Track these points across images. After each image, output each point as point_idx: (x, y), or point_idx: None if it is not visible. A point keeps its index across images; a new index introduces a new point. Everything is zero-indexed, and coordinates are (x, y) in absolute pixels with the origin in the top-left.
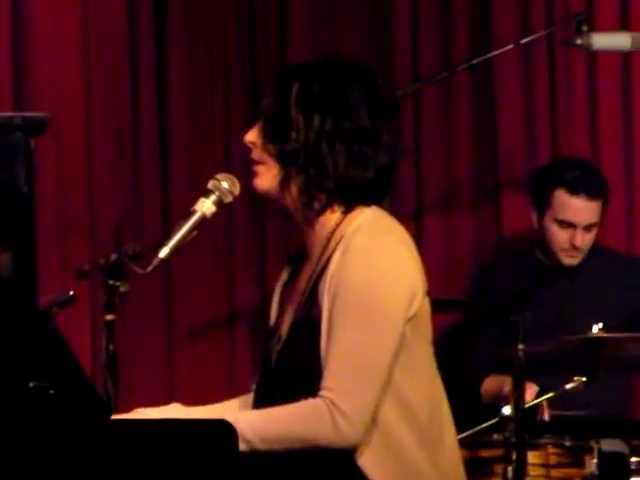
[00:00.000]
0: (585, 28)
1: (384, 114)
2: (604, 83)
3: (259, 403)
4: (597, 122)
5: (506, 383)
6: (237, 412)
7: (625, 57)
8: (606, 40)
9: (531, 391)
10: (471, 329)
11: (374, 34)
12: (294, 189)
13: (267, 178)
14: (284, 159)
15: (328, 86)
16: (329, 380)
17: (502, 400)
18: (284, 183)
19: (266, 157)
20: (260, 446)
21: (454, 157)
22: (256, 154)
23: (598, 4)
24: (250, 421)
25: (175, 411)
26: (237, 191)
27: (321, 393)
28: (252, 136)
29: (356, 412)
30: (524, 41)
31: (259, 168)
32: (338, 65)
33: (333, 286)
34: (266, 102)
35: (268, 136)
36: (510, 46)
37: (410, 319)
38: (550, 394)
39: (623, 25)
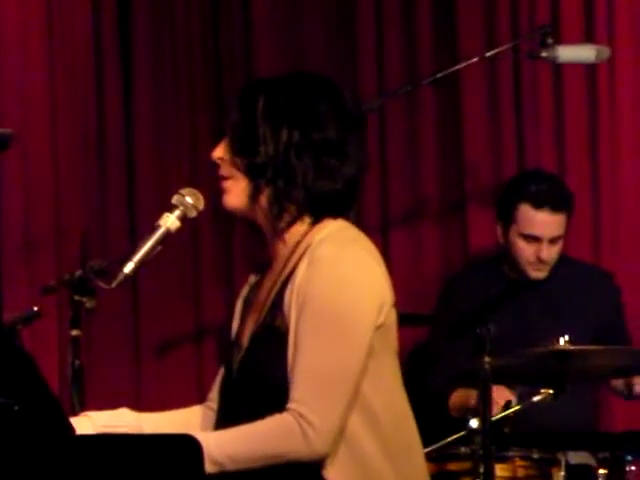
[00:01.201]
0: (550, 41)
1: (351, 127)
2: (570, 95)
3: (222, 414)
4: (563, 134)
5: (473, 396)
6: (205, 433)
7: (590, 69)
8: (571, 53)
9: (505, 396)
10: (438, 342)
11: (338, 48)
12: (264, 202)
13: (236, 194)
14: (253, 172)
15: (294, 99)
16: (297, 392)
17: (469, 413)
18: (254, 196)
19: (234, 172)
20: (231, 467)
21: (420, 170)
22: (224, 170)
23: (563, 17)
24: (219, 442)
25: (123, 415)
26: (201, 206)
27: (289, 406)
28: (220, 152)
29: (325, 424)
30: (489, 54)
31: (227, 184)
32: (304, 78)
33: (300, 296)
34: (232, 117)
35: (236, 151)
36: (475, 59)
37: (377, 329)
38: (517, 407)
39: (588, 38)
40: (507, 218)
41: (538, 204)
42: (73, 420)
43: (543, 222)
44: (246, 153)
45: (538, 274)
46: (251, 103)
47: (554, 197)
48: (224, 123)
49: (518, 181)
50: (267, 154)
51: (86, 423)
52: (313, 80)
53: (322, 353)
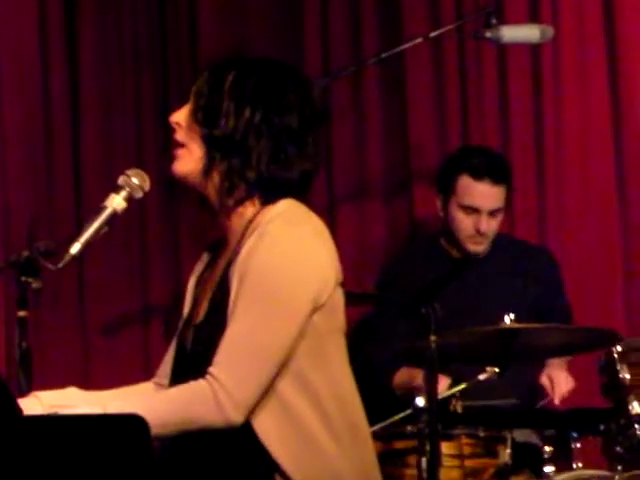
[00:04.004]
0: (494, 21)
1: (314, 120)
2: (514, 75)
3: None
4: (507, 114)
5: (417, 375)
6: (125, 400)
7: (534, 49)
8: (515, 33)
9: (443, 383)
10: (382, 319)
11: (284, 29)
12: (216, 176)
13: (188, 161)
14: (210, 143)
15: (264, 81)
16: (219, 356)
17: (414, 392)
18: (207, 168)
19: (190, 139)
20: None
21: (366, 149)
22: (180, 135)
23: None
24: (138, 408)
25: (71, 394)
26: (147, 187)
27: (209, 369)
28: (179, 117)
29: (240, 391)
30: (434, 34)
31: (181, 152)
32: (278, 65)
33: (242, 269)
34: (198, 86)
35: (197, 119)
36: (419, 39)
37: (320, 308)
38: (463, 385)
39: (533, 18)
40: (447, 190)
41: (478, 175)
42: (21, 401)
43: (483, 193)
44: (206, 123)
45: (477, 247)
46: (221, 76)
47: (494, 169)
48: (189, 90)
49: (459, 154)
50: (227, 128)
51: (34, 403)
52: (286, 68)
53: (252, 324)
